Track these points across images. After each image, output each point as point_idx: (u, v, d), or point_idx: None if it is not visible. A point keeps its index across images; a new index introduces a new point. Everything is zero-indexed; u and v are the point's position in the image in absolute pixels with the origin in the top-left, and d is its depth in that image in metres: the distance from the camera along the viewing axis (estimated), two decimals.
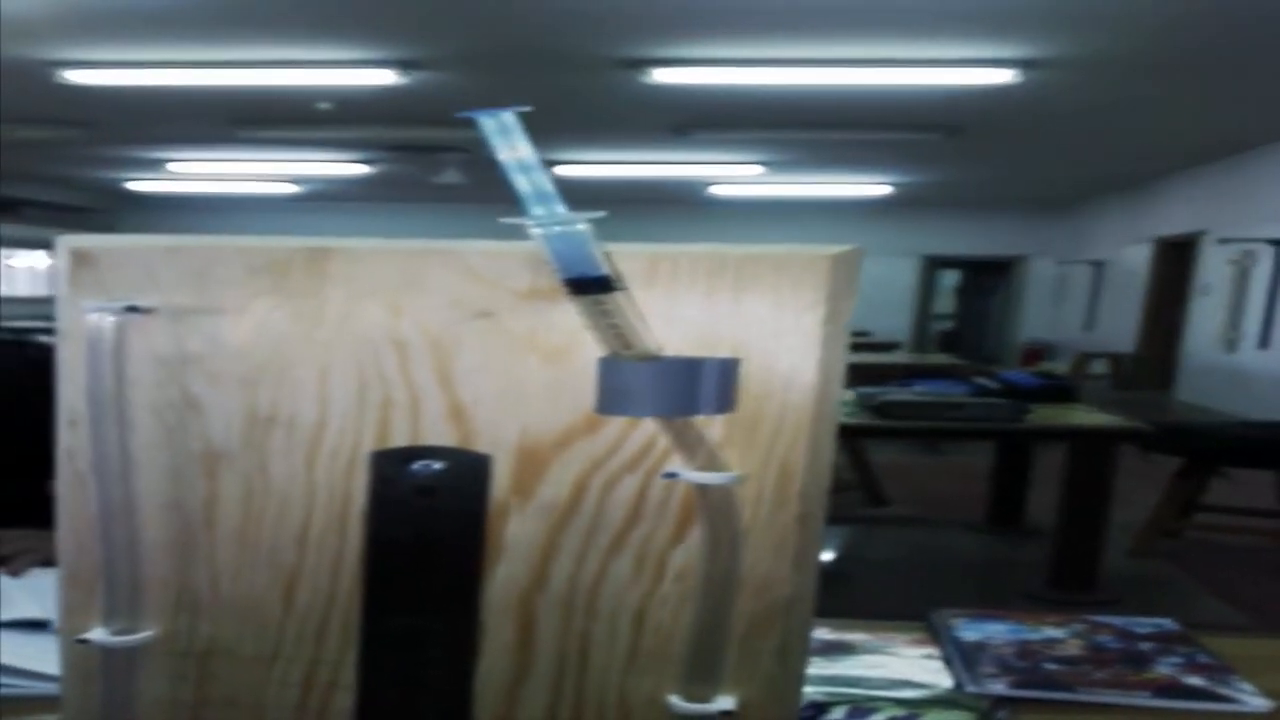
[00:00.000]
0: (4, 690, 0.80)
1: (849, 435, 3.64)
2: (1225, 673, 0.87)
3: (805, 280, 0.48)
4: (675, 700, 0.52)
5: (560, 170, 9.70)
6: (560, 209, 0.43)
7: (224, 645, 0.55)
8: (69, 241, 0.53)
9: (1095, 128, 7.63)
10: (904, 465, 5.47)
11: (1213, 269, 9.31)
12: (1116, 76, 5.98)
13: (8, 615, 0.91)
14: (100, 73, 6.15)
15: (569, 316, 0.48)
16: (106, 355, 0.51)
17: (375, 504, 0.52)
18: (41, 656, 0.81)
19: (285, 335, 0.52)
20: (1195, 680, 0.86)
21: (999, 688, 0.84)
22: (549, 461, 0.51)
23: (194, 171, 11.19)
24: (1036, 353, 12.76)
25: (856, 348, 5.90)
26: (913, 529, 4.54)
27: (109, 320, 0.51)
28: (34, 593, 0.96)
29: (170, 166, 10.88)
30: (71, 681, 0.56)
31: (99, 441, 0.52)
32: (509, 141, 0.42)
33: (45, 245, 13.28)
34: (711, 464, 0.49)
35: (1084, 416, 3.46)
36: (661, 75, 5.98)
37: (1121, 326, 11.17)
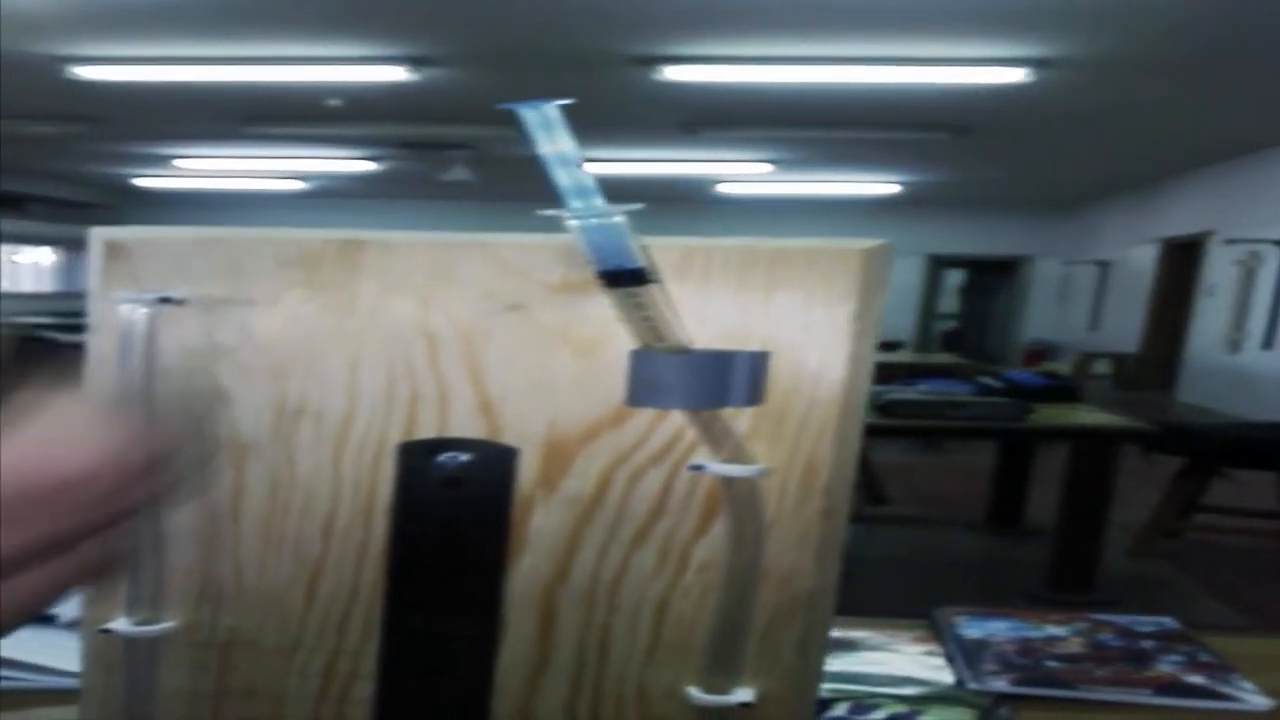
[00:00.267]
0: (8, 683, 0.80)
1: None
2: (1226, 671, 0.87)
3: (836, 274, 0.48)
4: (694, 692, 0.52)
5: None
6: (599, 202, 0.43)
7: (246, 636, 0.55)
8: (102, 233, 0.53)
9: (1103, 128, 7.62)
10: (905, 464, 5.47)
11: (1219, 270, 9.29)
12: (1125, 77, 5.97)
13: None
14: (108, 68, 6.15)
15: (600, 309, 0.48)
16: (138, 346, 0.51)
17: (401, 495, 0.52)
18: (46, 650, 0.80)
19: (316, 327, 0.52)
20: (1196, 678, 0.86)
21: (1000, 685, 0.84)
22: (575, 454, 0.51)
23: (201, 168, 11.19)
24: (1039, 353, 12.74)
25: None
26: (912, 528, 4.54)
27: (141, 312, 0.51)
28: None
29: (177, 163, 10.89)
30: (93, 671, 0.56)
31: None
32: (551, 135, 0.43)
33: (51, 241, 13.30)
34: (738, 456, 0.49)
35: (1086, 416, 3.46)
36: (672, 73, 5.98)
37: (1126, 327, 11.15)
